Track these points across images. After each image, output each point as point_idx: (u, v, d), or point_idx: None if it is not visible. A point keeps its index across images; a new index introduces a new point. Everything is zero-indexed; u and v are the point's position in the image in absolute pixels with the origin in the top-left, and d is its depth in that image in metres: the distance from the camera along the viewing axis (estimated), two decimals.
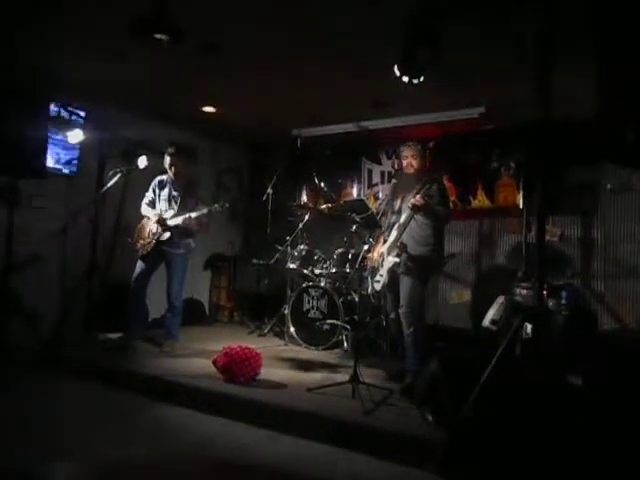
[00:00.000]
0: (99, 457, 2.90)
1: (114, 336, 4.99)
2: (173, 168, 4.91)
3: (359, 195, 6.94)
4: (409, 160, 4.12)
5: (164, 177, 5.03)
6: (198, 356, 4.68)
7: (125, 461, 2.87)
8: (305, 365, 4.66)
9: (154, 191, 5.05)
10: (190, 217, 4.70)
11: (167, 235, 4.81)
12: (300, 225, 5.89)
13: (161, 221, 4.82)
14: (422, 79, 3.85)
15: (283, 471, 2.86)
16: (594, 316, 4.83)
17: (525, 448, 2.62)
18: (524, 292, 4.70)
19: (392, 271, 3.99)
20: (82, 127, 5.18)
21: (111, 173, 4.94)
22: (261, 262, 6.35)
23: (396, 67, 3.82)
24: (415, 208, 3.84)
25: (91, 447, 3.01)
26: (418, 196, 3.81)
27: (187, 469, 2.84)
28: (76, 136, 5.11)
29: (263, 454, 3.05)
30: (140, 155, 5.07)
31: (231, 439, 3.25)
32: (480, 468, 2.69)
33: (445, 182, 4.21)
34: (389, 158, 6.80)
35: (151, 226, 4.90)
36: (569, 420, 2.68)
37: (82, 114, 5.36)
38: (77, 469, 2.84)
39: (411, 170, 4.13)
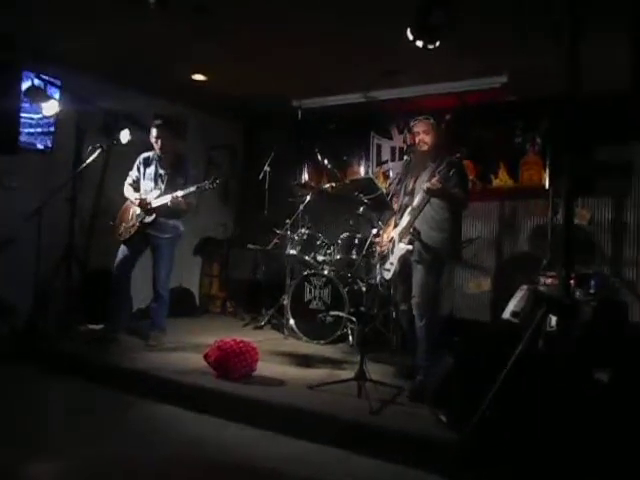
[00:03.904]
0: (80, 458, 2.94)
1: (95, 328, 5.04)
2: (159, 141, 4.90)
3: (367, 173, 6.95)
4: (421, 136, 4.11)
5: (150, 154, 5.03)
6: (188, 350, 4.73)
7: (109, 463, 2.91)
8: (306, 361, 4.71)
9: (139, 169, 5.05)
10: (177, 196, 4.71)
11: (152, 217, 4.82)
12: (301, 207, 5.89)
13: (143, 204, 4.83)
14: (438, 44, 3.83)
15: (281, 473, 2.91)
16: (625, 307, 4.86)
17: (546, 452, 2.65)
18: (549, 281, 4.73)
19: (404, 259, 4.00)
20: (58, 98, 5.18)
21: (90, 149, 4.95)
22: (258, 247, 6.37)
23: (409, 30, 3.80)
24: (430, 192, 3.84)
25: (72, 447, 3.06)
26: (434, 179, 3.80)
27: (177, 470, 2.89)
28: (52, 108, 5.10)
29: (259, 455, 3.10)
30: (122, 129, 5.08)
31: (224, 439, 3.30)
32: (496, 473, 2.74)
33: (464, 165, 4.20)
34: (401, 132, 6.79)
35: (135, 208, 4.92)
36: (596, 421, 2.72)
37: (58, 83, 5.36)
38: (58, 470, 2.89)
39: (424, 147, 4.12)
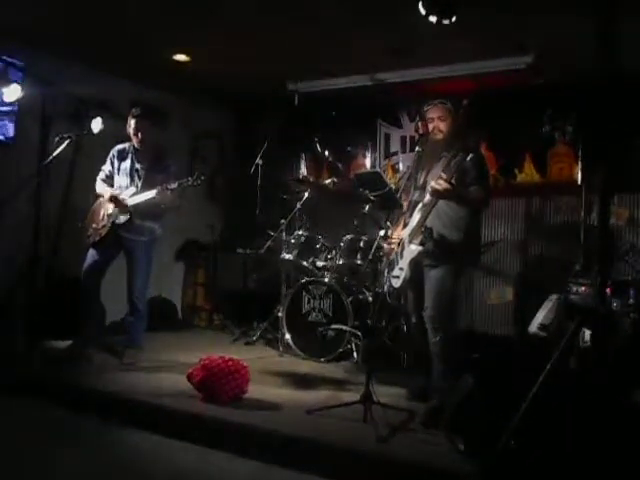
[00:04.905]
0: None
1: (63, 344, 5.03)
2: (140, 134, 4.94)
3: (374, 167, 6.97)
4: (435, 123, 4.11)
5: (125, 145, 5.07)
6: (169, 370, 4.73)
7: None
8: (304, 381, 4.71)
9: (112, 163, 5.08)
10: (167, 187, 4.69)
11: (125, 218, 4.84)
12: (298, 205, 5.92)
13: (114, 199, 4.84)
14: (454, 19, 3.84)
15: None
16: None
17: None
18: (582, 289, 4.73)
19: (415, 263, 3.99)
20: (21, 82, 5.18)
21: (57, 139, 4.93)
22: (249, 252, 6.37)
23: (421, 4, 3.80)
24: (436, 194, 3.81)
25: None
26: (440, 180, 3.73)
27: None
28: (13, 93, 5.10)
29: None
30: (94, 117, 5.08)
31: (212, 472, 3.28)
32: None
33: (483, 152, 4.19)
34: (412, 120, 6.81)
35: (107, 207, 4.94)
36: (637, 451, 2.71)
37: (21, 65, 5.36)
38: None
39: (439, 135, 4.12)
